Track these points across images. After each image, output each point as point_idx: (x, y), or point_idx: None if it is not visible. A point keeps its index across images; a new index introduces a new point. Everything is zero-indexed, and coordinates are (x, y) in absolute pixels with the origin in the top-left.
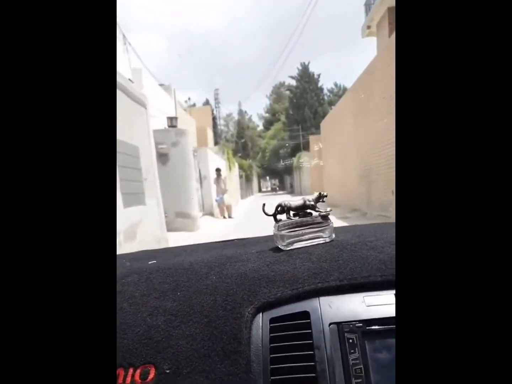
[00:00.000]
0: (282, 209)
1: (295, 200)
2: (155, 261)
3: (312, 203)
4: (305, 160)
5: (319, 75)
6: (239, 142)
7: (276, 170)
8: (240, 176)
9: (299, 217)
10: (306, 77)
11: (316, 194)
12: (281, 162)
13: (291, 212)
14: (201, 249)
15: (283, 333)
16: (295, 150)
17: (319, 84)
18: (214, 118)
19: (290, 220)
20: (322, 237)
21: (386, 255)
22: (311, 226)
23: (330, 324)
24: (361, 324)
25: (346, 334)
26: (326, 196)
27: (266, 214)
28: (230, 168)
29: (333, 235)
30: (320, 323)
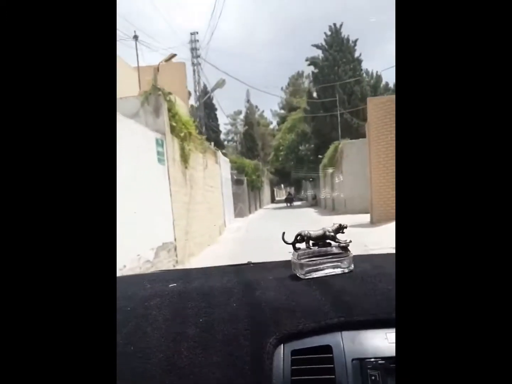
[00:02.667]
0: (301, 238)
1: (315, 230)
2: (175, 284)
3: (332, 233)
4: (348, 153)
5: (355, 42)
6: (246, 141)
7: (294, 175)
8: (237, 182)
9: (318, 247)
10: (337, 45)
11: (336, 225)
12: (301, 163)
13: (311, 242)
14: (218, 272)
15: (305, 367)
16: (320, 147)
17: (356, 55)
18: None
19: (310, 249)
20: (341, 267)
21: None
22: (330, 256)
23: (353, 360)
24: (384, 361)
25: (369, 371)
26: (346, 227)
27: (285, 242)
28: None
29: (352, 266)
30: (343, 358)
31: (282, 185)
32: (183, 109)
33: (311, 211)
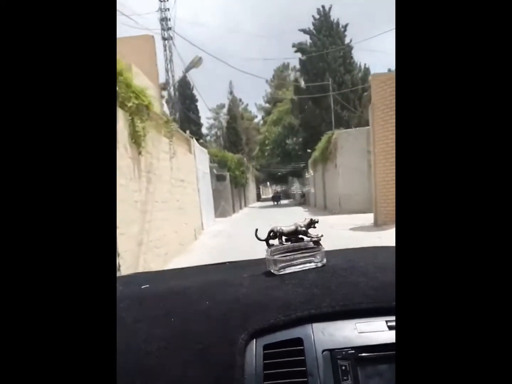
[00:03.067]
0: (274, 234)
1: (287, 226)
2: (147, 285)
3: (304, 229)
4: (342, 144)
5: (345, 27)
6: (229, 135)
7: (280, 172)
8: (219, 177)
9: (291, 242)
10: (326, 29)
11: (308, 220)
12: (288, 158)
13: (283, 237)
14: (193, 272)
15: (276, 360)
16: (309, 141)
17: (346, 40)
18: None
19: (283, 245)
20: (313, 262)
21: (376, 282)
22: (303, 251)
23: (323, 351)
24: (353, 351)
25: (339, 361)
26: (317, 222)
27: (258, 239)
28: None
29: (325, 260)
30: (313, 350)
31: (268, 183)
32: (152, 91)
33: (300, 210)
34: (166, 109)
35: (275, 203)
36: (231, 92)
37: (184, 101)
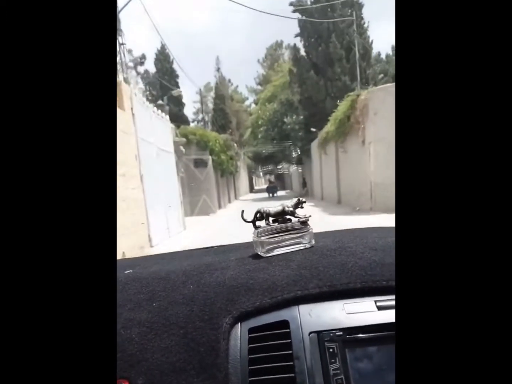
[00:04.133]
0: (261, 215)
1: (273, 207)
2: (131, 270)
3: (291, 209)
4: (377, 108)
5: None
6: (217, 117)
7: (276, 157)
8: (198, 163)
9: (278, 223)
10: None
11: (295, 200)
12: (285, 140)
13: (270, 219)
14: (180, 257)
15: (262, 344)
16: (311, 121)
17: None
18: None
19: (270, 226)
20: (302, 243)
21: (365, 261)
22: (290, 232)
23: (310, 333)
24: (341, 333)
25: (326, 344)
26: (304, 202)
27: (244, 220)
28: None
29: (313, 241)
30: (300, 332)
31: (261, 173)
32: None
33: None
34: (142, 86)
35: (271, 195)
36: (218, 69)
37: (162, 77)
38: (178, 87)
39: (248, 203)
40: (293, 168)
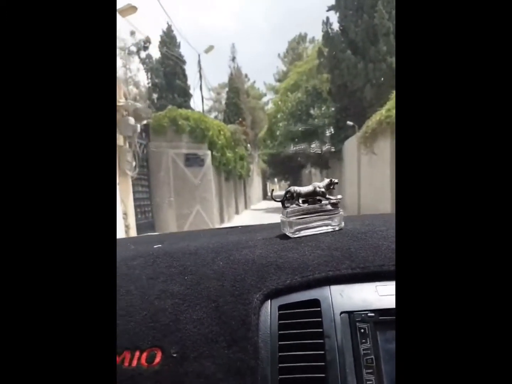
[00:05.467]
0: (291, 195)
1: (304, 187)
2: (160, 245)
3: (323, 189)
4: None
5: None
6: (230, 113)
7: (300, 159)
8: (190, 162)
9: (308, 204)
10: None
11: (327, 181)
12: (311, 138)
13: (300, 199)
14: (206, 234)
15: (292, 321)
16: (343, 115)
17: None
18: None
19: (299, 207)
20: (331, 225)
21: None
22: (320, 213)
23: (341, 313)
24: (373, 314)
25: (357, 324)
26: (337, 183)
27: (274, 200)
28: None
29: (343, 224)
30: (331, 311)
31: (276, 179)
32: None
33: None
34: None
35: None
36: (233, 59)
37: (167, 63)
38: (185, 75)
39: (260, 214)
40: (313, 171)
